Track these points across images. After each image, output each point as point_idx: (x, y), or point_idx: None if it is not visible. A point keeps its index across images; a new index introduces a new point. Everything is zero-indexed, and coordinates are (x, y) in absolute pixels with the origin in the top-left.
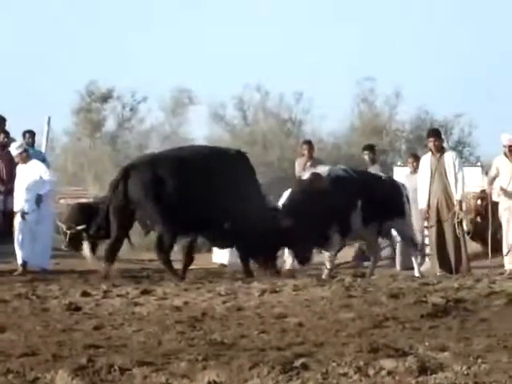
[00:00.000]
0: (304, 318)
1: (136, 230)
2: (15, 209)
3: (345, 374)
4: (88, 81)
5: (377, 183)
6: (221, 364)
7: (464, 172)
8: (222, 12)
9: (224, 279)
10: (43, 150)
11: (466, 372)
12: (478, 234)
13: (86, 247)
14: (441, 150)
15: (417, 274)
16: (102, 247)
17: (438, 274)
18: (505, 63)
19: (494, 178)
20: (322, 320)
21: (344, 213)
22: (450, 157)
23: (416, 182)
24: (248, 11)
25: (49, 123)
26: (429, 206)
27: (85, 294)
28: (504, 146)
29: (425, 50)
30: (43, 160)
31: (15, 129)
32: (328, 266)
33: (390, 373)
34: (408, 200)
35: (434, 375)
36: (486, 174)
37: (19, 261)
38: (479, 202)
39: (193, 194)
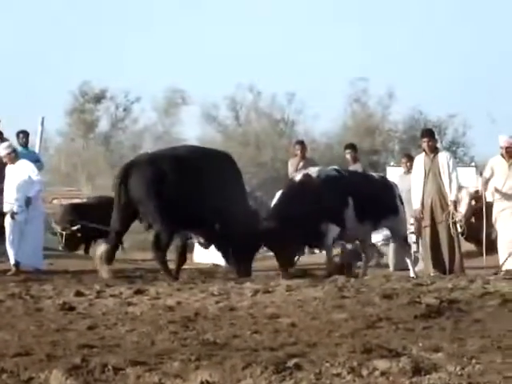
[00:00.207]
0: (297, 319)
1: (129, 230)
2: (4, 209)
3: (338, 375)
4: (81, 81)
5: (370, 183)
6: (214, 364)
7: (458, 172)
8: (215, 13)
9: (217, 279)
10: (37, 151)
11: (459, 373)
12: (472, 234)
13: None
14: (435, 151)
15: (412, 274)
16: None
17: (432, 274)
18: (504, 63)
19: (488, 179)
20: (315, 320)
21: (337, 213)
22: (443, 157)
23: (409, 183)
24: (241, 13)
25: (42, 124)
26: (423, 206)
27: (78, 293)
28: (501, 147)
29: (418, 51)
30: (37, 160)
31: (9, 129)
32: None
33: (383, 373)
34: (401, 199)
35: (427, 376)
36: (481, 174)
37: (12, 261)
38: (473, 202)
39: (191, 193)
